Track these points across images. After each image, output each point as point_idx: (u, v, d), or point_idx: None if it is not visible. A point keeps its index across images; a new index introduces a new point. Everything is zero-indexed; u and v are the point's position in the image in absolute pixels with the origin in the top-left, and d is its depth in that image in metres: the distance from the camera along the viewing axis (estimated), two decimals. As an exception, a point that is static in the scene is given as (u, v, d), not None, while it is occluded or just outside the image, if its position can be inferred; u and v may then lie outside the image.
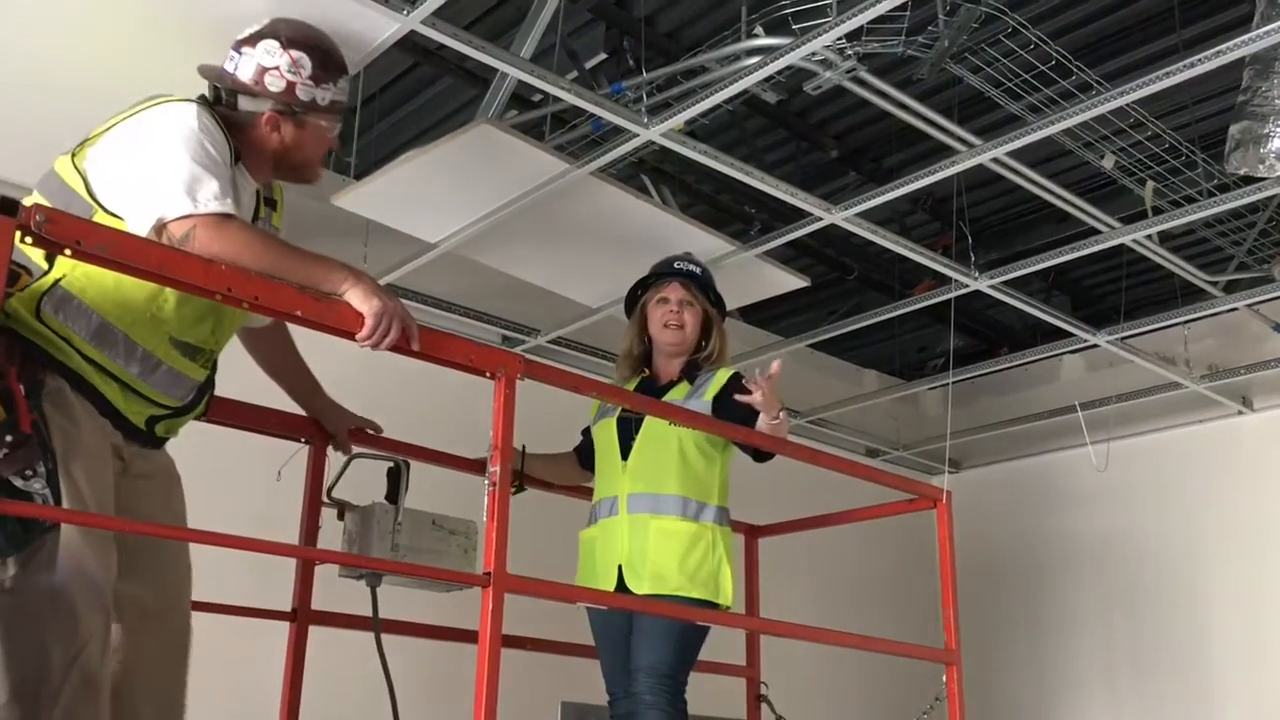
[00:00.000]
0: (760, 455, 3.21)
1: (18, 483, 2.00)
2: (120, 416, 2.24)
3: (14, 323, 2.11)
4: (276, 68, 2.39)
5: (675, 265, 3.37)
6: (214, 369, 2.45)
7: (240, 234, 2.17)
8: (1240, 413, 5.76)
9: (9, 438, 1.98)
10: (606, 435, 3.25)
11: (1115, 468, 5.83)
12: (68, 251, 1.95)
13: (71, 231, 1.95)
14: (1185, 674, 5.71)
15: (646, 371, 3.36)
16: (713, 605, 3.08)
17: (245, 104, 2.39)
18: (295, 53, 2.40)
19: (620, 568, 3.10)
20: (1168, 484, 5.96)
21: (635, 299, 3.40)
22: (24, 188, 2.40)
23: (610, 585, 3.11)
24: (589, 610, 3.26)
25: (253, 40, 2.42)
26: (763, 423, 3.05)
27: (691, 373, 3.29)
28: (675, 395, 3.24)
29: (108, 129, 2.26)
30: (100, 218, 2.18)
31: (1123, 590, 6.06)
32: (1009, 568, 6.53)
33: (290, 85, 2.40)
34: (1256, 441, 5.75)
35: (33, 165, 2.41)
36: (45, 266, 2.13)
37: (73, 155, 2.26)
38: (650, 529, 3.08)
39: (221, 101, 2.39)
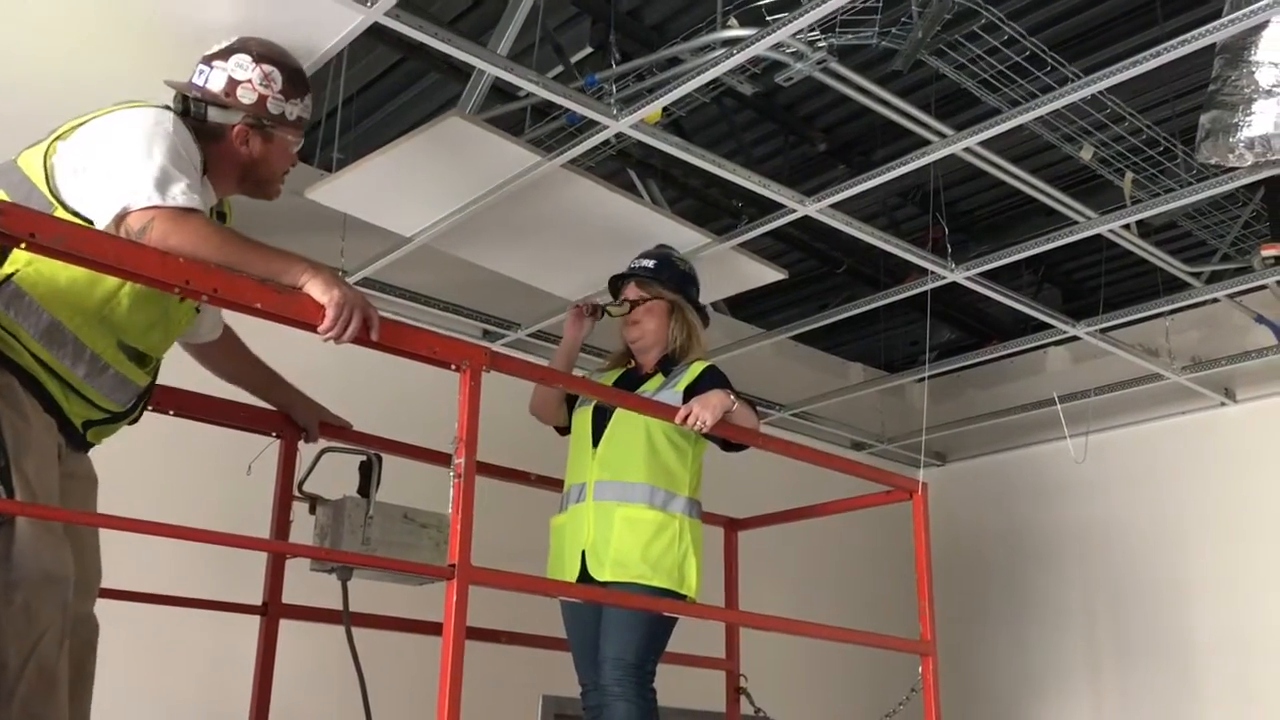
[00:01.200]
0: (728, 445, 3.24)
1: None
2: (62, 415, 2.24)
3: None
4: (249, 81, 2.44)
5: (631, 264, 3.44)
6: (155, 375, 2.45)
7: (200, 227, 2.17)
8: (1223, 404, 5.76)
9: None
10: (582, 422, 3.28)
11: (1100, 459, 5.83)
12: (23, 245, 1.95)
13: (27, 224, 1.95)
14: (1169, 666, 5.72)
15: (631, 364, 3.42)
16: (677, 595, 3.10)
17: (215, 115, 2.44)
18: (267, 67, 2.46)
19: (584, 554, 3.12)
20: (1151, 475, 5.96)
21: None
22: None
23: (575, 572, 3.13)
24: (561, 601, 3.28)
25: (224, 55, 2.46)
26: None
27: (667, 365, 3.32)
28: (649, 387, 3.28)
29: (80, 124, 2.26)
30: (58, 215, 2.18)
31: (1107, 582, 6.06)
32: (995, 560, 6.54)
33: (262, 98, 2.45)
34: (1239, 432, 5.74)
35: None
36: None
37: (45, 149, 2.25)
38: (615, 516, 3.10)
39: (190, 113, 2.42)
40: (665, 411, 3.05)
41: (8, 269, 2.14)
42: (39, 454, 2.14)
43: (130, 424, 2.45)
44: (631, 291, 3.37)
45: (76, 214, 2.19)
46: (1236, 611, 5.54)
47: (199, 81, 2.45)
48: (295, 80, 2.51)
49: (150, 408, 2.52)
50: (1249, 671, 5.46)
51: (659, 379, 3.30)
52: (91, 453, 2.41)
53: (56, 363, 2.19)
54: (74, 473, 2.34)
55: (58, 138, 2.26)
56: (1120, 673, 5.92)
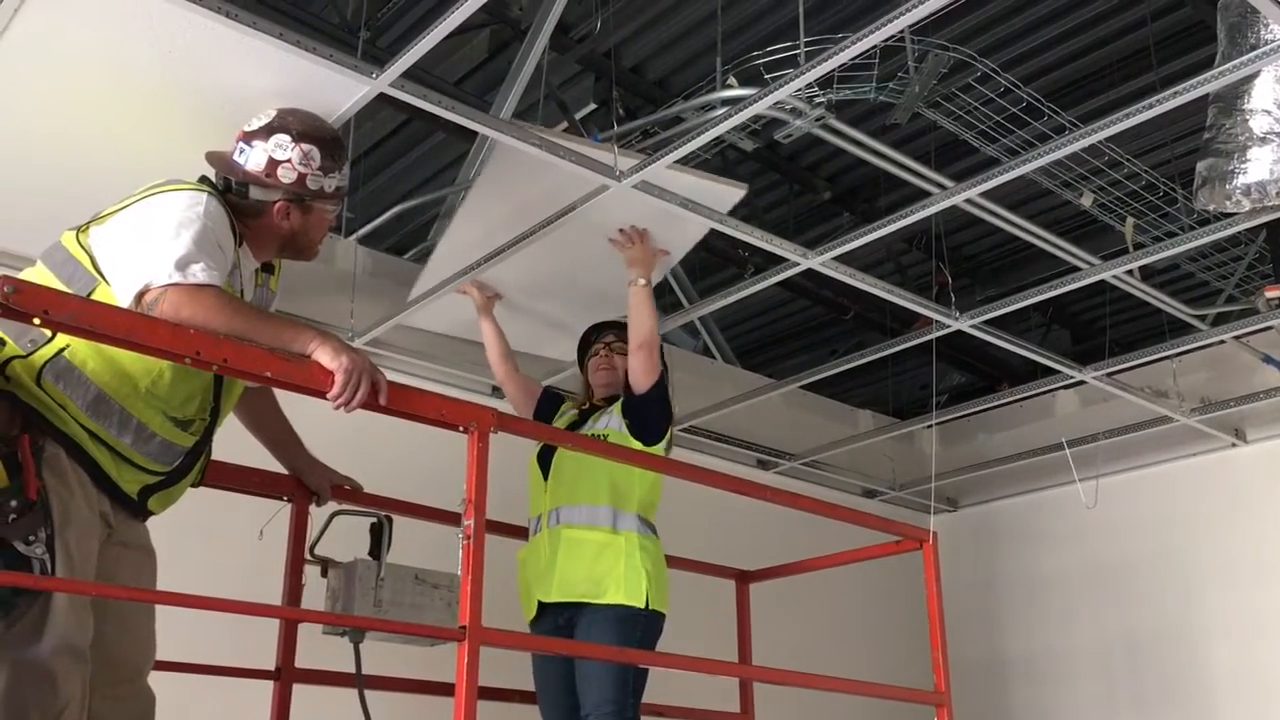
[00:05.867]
0: (640, 434, 3.30)
1: (20, 547, 2.06)
2: (113, 484, 2.29)
3: (15, 388, 2.18)
4: (289, 160, 2.52)
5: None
6: (207, 436, 2.49)
7: (212, 299, 2.22)
8: (1234, 445, 5.72)
9: (14, 503, 2.05)
10: (534, 467, 3.43)
11: (1111, 503, 5.79)
12: (36, 320, 2.00)
13: (39, 301, 2.00)
14: (1186, 711, 5.64)
15: (586, 404, 3.58)
16: (639, 610, 3.12)
17: (256, 194, 2.52)
18: (306, 145, 2.54)
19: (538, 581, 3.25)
20: (1163, 518, 5.91)
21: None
22: (28, 259, 2.46)
23: (532, 602, 3.27)
24: (532, 656, 3.35)
25: (264, 134, 2.54)
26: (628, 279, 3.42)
27: (613, 398, 3.49)
28: (602, 414, 3.44)
29: (119, 210, 2.34)
30: (102, 291, 2.26)
31: (1121, 627, 5.99)
32: (1008, 606, 6.47)
33: (301, 177, 2.53)
34: (1250, 473, 5.69)
35: (36, 237, 2.48)
36: (48, 334, 2.20)
37: (78, 231, 2.34)
38: (562, 538, 3.23)
39: (231, 190, 2.51)
40: (610, 450, 3.17)
41: (59, 344, 2.21)
42: (81, 526, 2.20)
43: (193, 485, 2.51)
44: (606, 338, 3.60)
45: None
46: (1253, 654, 5.47)
47: (239, 159, 2.54)
48: (333, 154, 2.59)
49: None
50: (1268, 716, 5.39)
51: (612, 409, 3.43)
52: None
53: (104, 431, 2.25)
54: (128, 542, 2.39)
55: (94, 222, 2.34)
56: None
